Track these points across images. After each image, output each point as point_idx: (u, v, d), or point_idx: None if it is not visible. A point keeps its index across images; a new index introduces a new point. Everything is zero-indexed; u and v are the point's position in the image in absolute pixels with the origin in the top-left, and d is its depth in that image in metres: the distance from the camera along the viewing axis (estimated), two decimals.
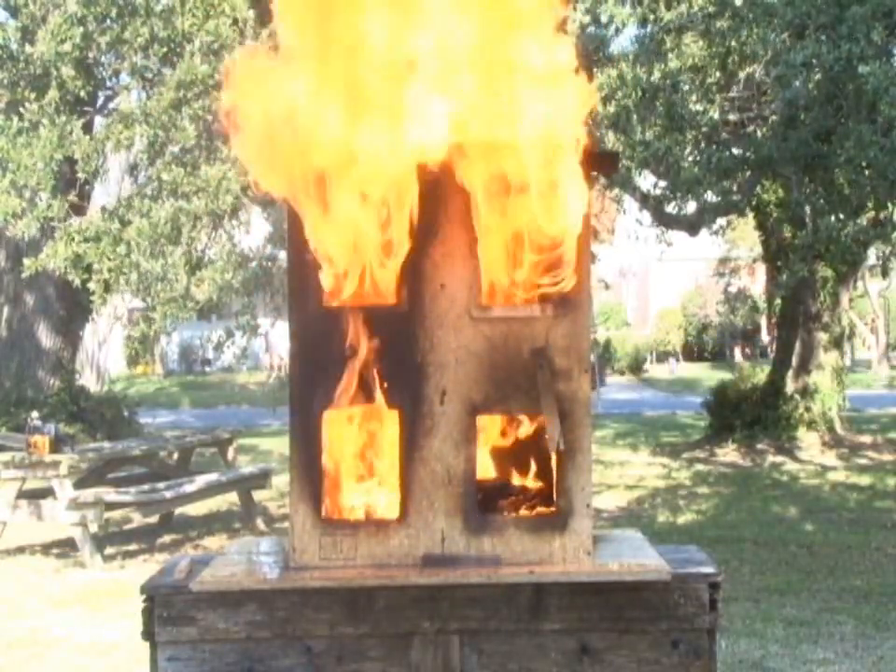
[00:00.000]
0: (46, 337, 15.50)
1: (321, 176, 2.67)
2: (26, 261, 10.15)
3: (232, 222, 10.37)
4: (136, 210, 9.51)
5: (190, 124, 9.42)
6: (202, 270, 9.70)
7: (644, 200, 12.74)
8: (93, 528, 8.54)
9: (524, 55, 2.65)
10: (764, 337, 36.16)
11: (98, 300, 10.34)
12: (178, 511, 10.11)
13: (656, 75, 10.07)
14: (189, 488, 9.35)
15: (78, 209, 11.06)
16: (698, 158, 10.40)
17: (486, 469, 2.87)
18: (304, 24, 2.64)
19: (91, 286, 9.99)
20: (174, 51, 9.95)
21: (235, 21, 9.90)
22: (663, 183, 12.05)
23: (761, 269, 22.58)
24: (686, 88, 10.49)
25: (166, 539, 9.56)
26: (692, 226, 13.21)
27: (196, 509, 10.44)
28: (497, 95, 2.62)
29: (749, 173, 10.89)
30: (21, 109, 9.60)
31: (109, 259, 9.49)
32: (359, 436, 2.87)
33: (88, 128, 11.20)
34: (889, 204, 10.89)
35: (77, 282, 10.19)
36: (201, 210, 9.35)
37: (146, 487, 9.12)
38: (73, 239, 9.66)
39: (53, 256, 9.71)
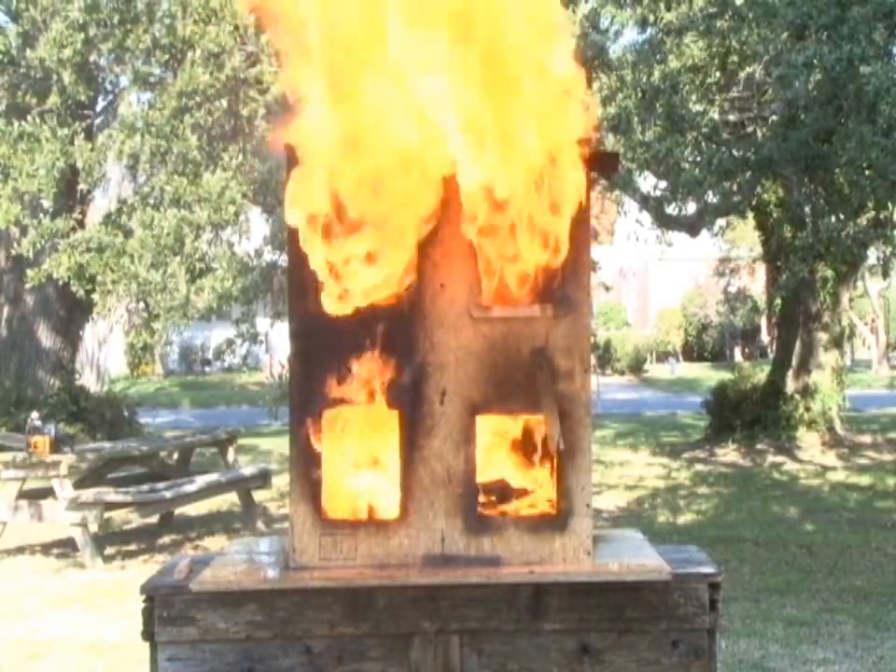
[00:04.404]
0: (46, 337, 15.47)
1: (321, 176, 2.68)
2: (29, 272, 10.18)
3: (233, 227, 10.36)
4: (138, 220, 9.51)
5: (192, 133, 9.43)
6: (202, 279, 9.69)
7: (644, 201, 12.74)
8: (93, 528, 8.53)
9: (526, 59, 2.65)
10: (764, 337, 36.12)
11: (101, 310, 10.36)
12: (178, 511, 10.10)
13: (656, 76, 10.06)
14: (189, 488, 9.35)
15: (80, 215, 11.09)
16: (699, 159, 10.38)
17: (486, 469, 2.87)
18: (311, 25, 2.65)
19: (95, 297, 10.02)
20: (175, 58, 9.96)
21: (236, 28, 9.91)
22: (663, 184, 12.04)
23: (761, 269, 22.57)
24: (686, 88, 10.48)
25: (166, 539, 9.55)
26: (692, 227, 13.21)
27: (196, 509, 10.44)
28: (498, 97, 2.63)
29: (749, 173, 10.88)
30: (23, 123, 9.59)
31: (112, 272, 9.50)
32: (359, 436, 2.87)
33: (88, 133, 11.19)
34: (890, 205, 10.88)
35: (81, 293, 10.22)
36: (203, 220, 9.36)
37: (145, 487, 9.11)
38: (76, 249, 9.67)
39: (56, 267, 9.72)
